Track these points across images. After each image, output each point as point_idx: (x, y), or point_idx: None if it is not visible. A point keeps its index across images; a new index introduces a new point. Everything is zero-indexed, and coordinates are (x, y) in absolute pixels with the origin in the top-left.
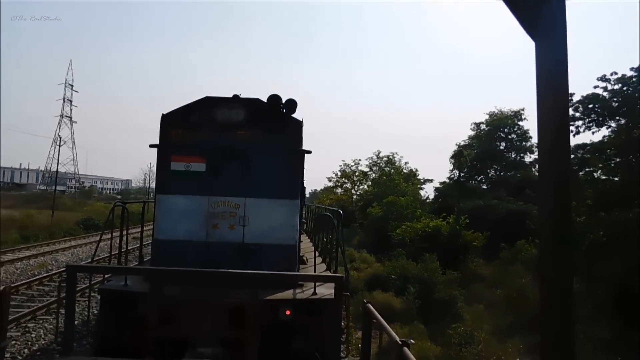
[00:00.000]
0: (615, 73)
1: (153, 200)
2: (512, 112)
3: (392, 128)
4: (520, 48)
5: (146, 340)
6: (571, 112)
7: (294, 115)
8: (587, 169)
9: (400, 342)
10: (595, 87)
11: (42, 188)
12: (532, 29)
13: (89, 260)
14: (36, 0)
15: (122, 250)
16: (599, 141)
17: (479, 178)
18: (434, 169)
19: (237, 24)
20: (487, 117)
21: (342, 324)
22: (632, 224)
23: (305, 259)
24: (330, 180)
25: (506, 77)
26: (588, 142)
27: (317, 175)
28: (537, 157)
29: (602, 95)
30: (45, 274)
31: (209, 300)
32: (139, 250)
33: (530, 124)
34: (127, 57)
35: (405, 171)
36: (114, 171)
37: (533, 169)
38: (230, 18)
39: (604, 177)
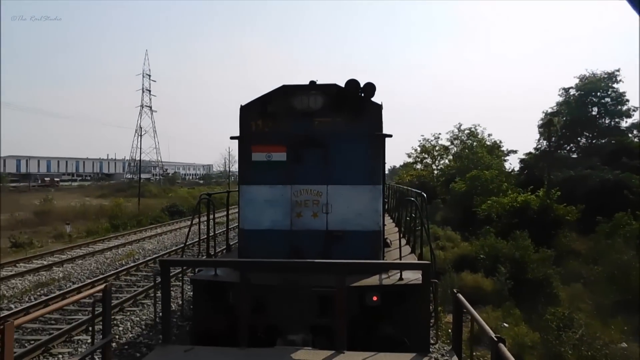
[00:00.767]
0: None
1: (236, 190)
2: (606, 74)
3: (475, 98)
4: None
5: (239, 327)
6: None
7: (373, 99)
8: None
9: (495, 338)
10: None
11: (129, 177)
12: None
13: (177, 247)
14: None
15: (210, 235)
16: None
17: (569, 147)
18: (517, 140)
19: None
20: (577, 81)
21: (431, 309)
22: None
23: (389, 241)
24: (409, 157)
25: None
26: None
27: (395, 151)
28: (635, 121)
29: None
30: (132, 264)
31: (297, 288)
32: (226, 240)
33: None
34: (206, 44)
35: (488, 143)
36: (195, 157)
37: (630, 135)
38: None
39: None
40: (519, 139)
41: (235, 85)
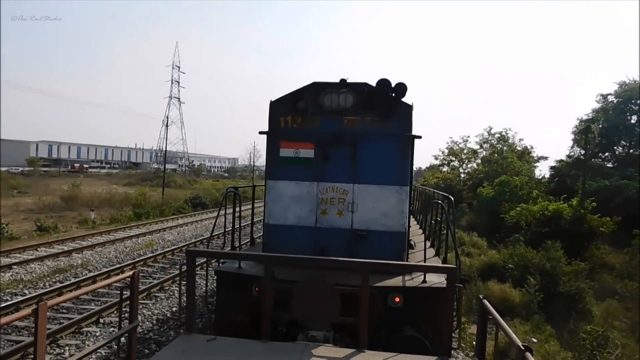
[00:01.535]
0: None
1: (261, 184)
2: None
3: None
4: None
5: (262, 321)
6: None
7: (403, 99)
8: None
9: (522, 347)
10: None
11: (156, 167)
12: None
13: (196, 240)
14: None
15: (235, 228)
16: None
17: (604, 155)
18: (544, 145)
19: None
20: (616, 87)
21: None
22: None
23: (413, 243)
24: (436, 158)
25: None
26: None
27: (420, 152)
28: None
29: None
30: (150, 254)
31: (320, 285)
32: (250, 234)
33: None
34: (232, 39)
35: (519, 148)
36: (221, 150)
37: None
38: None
39: None
40: (546, 143)
41: (262, 80)
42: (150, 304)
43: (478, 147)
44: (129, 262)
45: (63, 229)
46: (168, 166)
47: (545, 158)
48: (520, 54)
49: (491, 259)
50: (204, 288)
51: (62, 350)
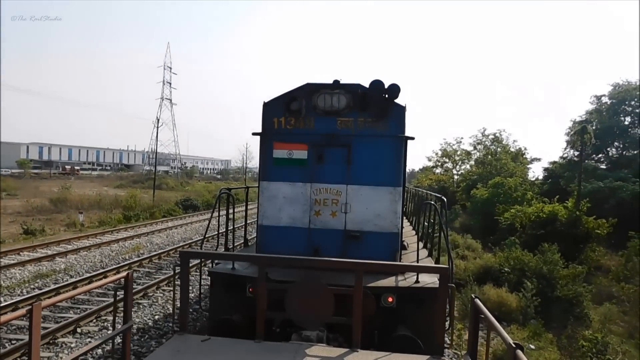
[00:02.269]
0: None
1: (255, 186)
2: None
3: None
4: None
5: (256, 321)
6: None
7: (396, 101)
8: None
9: (513, 345)
10: None
11: (148, 168)
12: None
13: (185, 243)
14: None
15: (229, 229)
16: None
17: (597, 157)
18: (537, 146)
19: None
20: (610, 88)
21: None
22: None
23: (406, 244)
24: (430, 160)
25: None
26: None
27: (414, 154)
28: None
29: None
30: (135, 259)
31: (314, 285)
32: (244, 235)
33: None
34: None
35: (512, 150)
36: (214, 152)
37: None
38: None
39: None
40: (539, 145)
41: (255, 81)
42: (132, 312)
43: (472, 148)
44: (113, 266)
45: (50, 232)
46: (160, 168)
47: (539, 159)
48: (512, 53)
49: (487, 263)
50: (198, 289)
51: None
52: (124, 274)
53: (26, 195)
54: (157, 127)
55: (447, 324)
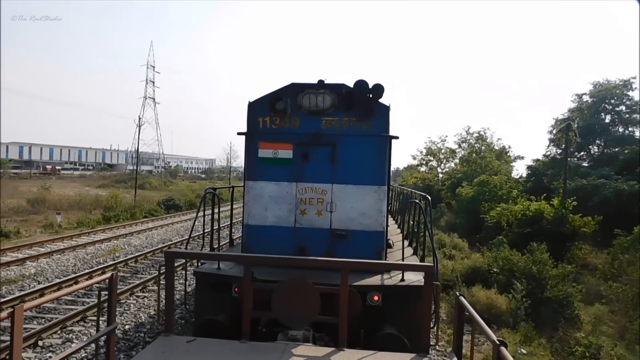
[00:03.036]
0: None
1: (240, 185)
2: (621, 81)
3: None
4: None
5: (242, 321)
6: None
7: (381, 100)
8: None
9: (497, 342)
10: None
11: (131, 168)
12: None
13: (164, 245)
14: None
15: (214, 229)
16: None
17: (580, 155)
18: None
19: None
20: (590, 87)
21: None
22: None
23: (391, 242)
24: (414, 158)
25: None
26: None
27: (399, 152)
28: None
29: None
30: (110, 262)
31: (300, 285)
32: (229, 235)
33: None
34: (213, 38)
35: (496, 148)
36: (199, 151)
37: None
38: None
39: None
40: (521, 143)
41: (241, 80)
42: (102, 322)
43: (456, 146)
44: (86, 270)
45: (26, 233)
46: (144, 167)
47: (522, 158)
48: (496, 51)
49: (475, 263)
50: (183, 289)
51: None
52: (108, 274)
53: (4, 195)
54: (139, 126)
55: (432, 322)
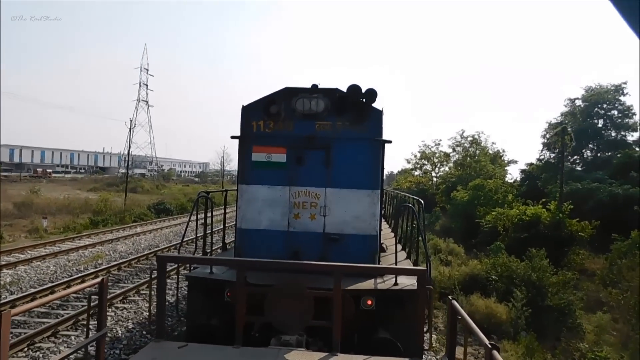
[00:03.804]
0: None
1: (233, 189)
2: (613, 86)
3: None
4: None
5: (235, 326)
6: None
7: (374, 105)
8: None
9: (489, 345)
10: None
11: (123, 171)
12: None
13: (150, 251)
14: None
15: (207, 233)
16: None
17: (573, 159)
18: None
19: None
20: (583, 91)
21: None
22: None
23: (384, 246)
24: (408, 162)
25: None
26: None
27: (393, 156)
28: None
29: None
30: (92, 270)
31: (293, 289)
32: (222, 239)
33: (634, 99)
34: (202, 42)
35: (490, 152)
36: (192, 155)
37: (637, 149)
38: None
39: None
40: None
41: (234, 85)
42: (72, 338)
43: (451, 150)
44: (65, 279)
45: (10, 238)
46: (137, 171)
47: (515, 162)
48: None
49: (473, 270)
50: (175, 294)
51: None
52: (98, 279)
53: None
54: (130, 129)
55: (426, 326)
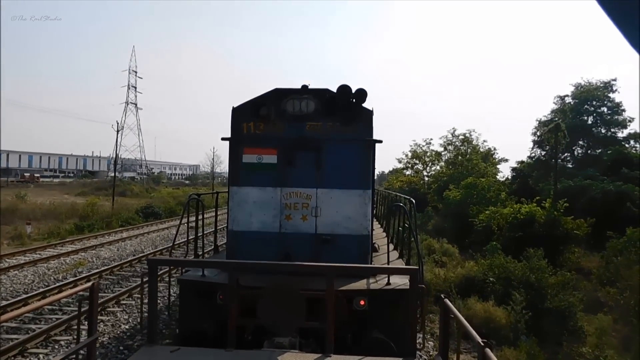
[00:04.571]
0: None
1: (224, 191)
2: (602, 83)
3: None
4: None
5: (227, 329)
6: None
7: (364, 105)
8: None
9: (482, 343)
10: None
11: (113, 175)
12: None
13: (134, 257)
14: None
15: (198, 236)
16: None
17: (564, 156)
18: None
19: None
20: (572, 88)
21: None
22: None
23: (377, 246)
24: (400, 162)
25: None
26: None
27: (384, 156)
28: (632, 131)
29: None
30: (71, 279)
31: (286, 290)
32: (214, 241)
33: (623, 96)
34: (195, 43)
35: (482, 150)
36: (182, 157)
37: (627, 145)
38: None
39: None
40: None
41: (223, 86)
42: (42, 357)
43: (442, 149)
44: (42, 289)
45: None
46: (126, 174)
47: (506, 160)
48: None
49: (469, 272)
50: (167, 298)
51: None
52: (89, 284)
53: None
54: (118, 132)
55: (419, 325)
